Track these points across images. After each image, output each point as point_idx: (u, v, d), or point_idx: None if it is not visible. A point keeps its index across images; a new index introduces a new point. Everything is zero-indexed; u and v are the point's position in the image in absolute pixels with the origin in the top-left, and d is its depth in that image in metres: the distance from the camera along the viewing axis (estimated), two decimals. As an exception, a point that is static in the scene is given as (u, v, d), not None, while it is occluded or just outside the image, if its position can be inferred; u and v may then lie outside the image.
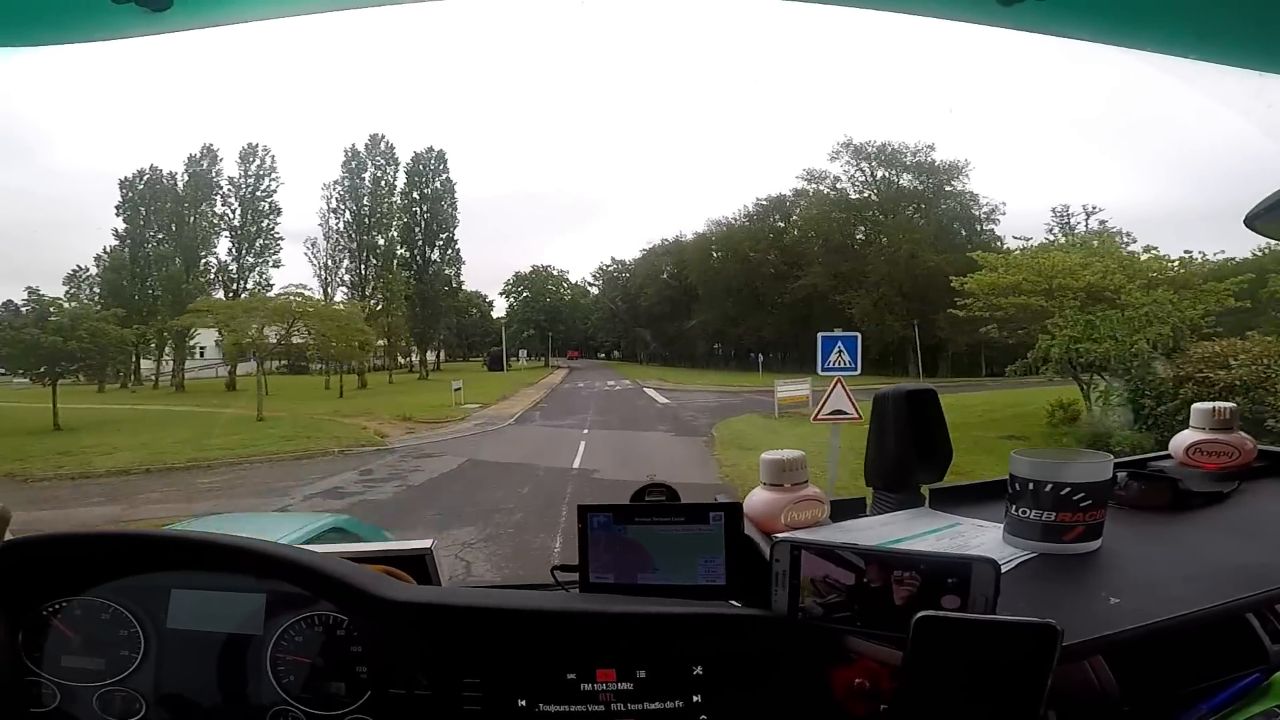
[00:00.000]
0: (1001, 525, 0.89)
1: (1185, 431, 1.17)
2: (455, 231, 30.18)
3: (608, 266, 43.30)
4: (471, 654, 0.80)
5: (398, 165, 28.91)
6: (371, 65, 43.43)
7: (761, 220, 34.34)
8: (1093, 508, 0.82)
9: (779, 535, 0.83)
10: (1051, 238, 21.86)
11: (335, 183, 27.94)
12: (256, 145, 26.19)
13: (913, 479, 1.05)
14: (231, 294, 24.62)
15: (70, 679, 0.88)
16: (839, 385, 7.04)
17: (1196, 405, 1.16)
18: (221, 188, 25.97)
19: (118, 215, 24.75)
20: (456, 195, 30.03)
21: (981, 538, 0.90)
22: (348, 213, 27.83)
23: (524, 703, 0.79)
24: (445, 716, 0.79)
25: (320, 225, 27.65)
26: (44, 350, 14.98)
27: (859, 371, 7.40)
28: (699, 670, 0.79)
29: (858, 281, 29.35)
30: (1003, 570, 0.67)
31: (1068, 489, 0.82)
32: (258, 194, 26.19)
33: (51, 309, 16.33)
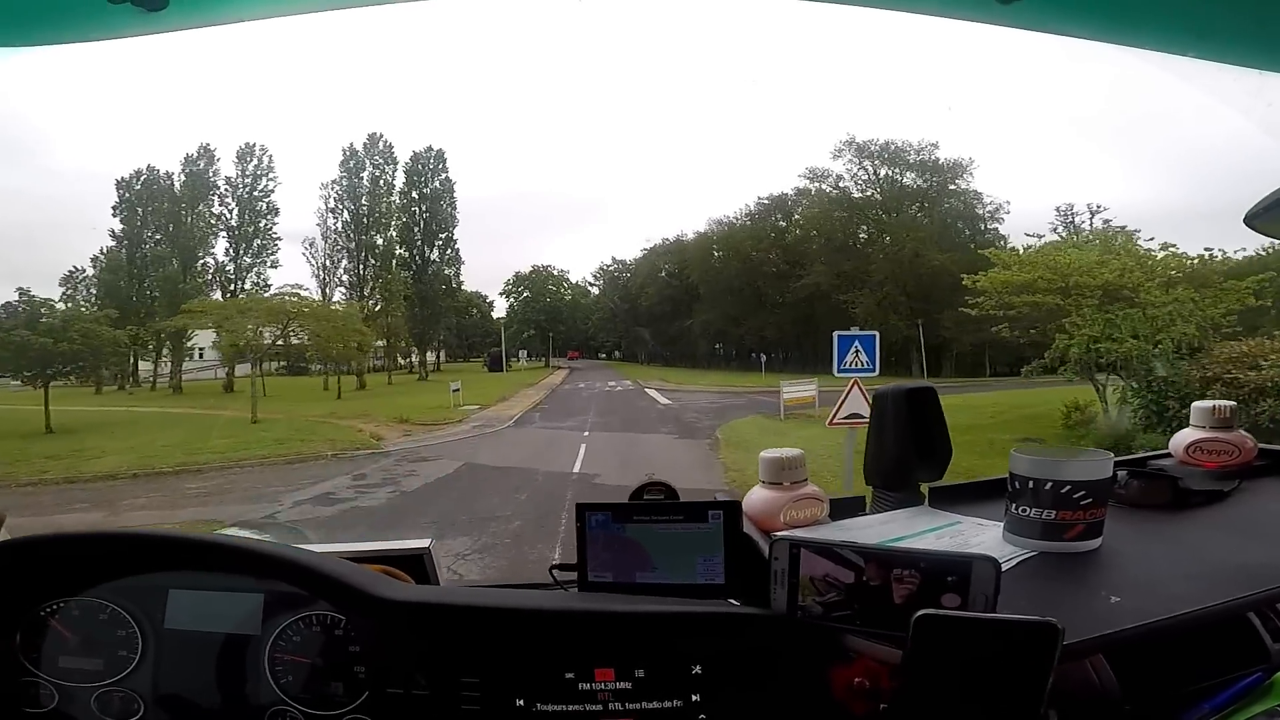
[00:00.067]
0: (1001, 524, 0.89)
1: (1185, 430, 1.17)
2: (455, 231, 30.06)
3: (608, 266, 43.33)
4: (470, 653, 0.80)
5: (396, 165, 28.83)
6: (369, 64, 43.31)
7: (763, 219, 34.20)
8: (1093, 506, 0.82)
9: (778, 534, 0.83)
10: (1057, 236, 21.86)
11: (333, 182, 27.82)
12: (254, 145, 26.08)
13: (912, 477, 1.05)
14: (229, 295, 24.46)
15: (68, 679, 0.88)
16: (856, 387, 6.80)
17: (1197, 404, 1.16)
18: (218, 188, 25.83)
19: (114, 216, 24.66)
20: (456, 195, 29.98)
21: (981, 536, 0.90)
22: (346, 212, 27.74)
23: (522, 702, 0.79)
24: (443, 716, 0.79)
25: (318, 225, 27.56)
26: (34, 352, 14.73)
27: (877, 372, 7.09)
28: (698, 669, 0.79)
29: (861, 281, 29.21)
30: (1003, 569, 0.67)
31: (1068, 487, 0.81)
32: (255, 194, 26.06)
33: (43, 310, 16.09)
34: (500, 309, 40.70)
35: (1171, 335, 9.65)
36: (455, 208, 29.87)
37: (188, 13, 0.82)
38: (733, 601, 0.83)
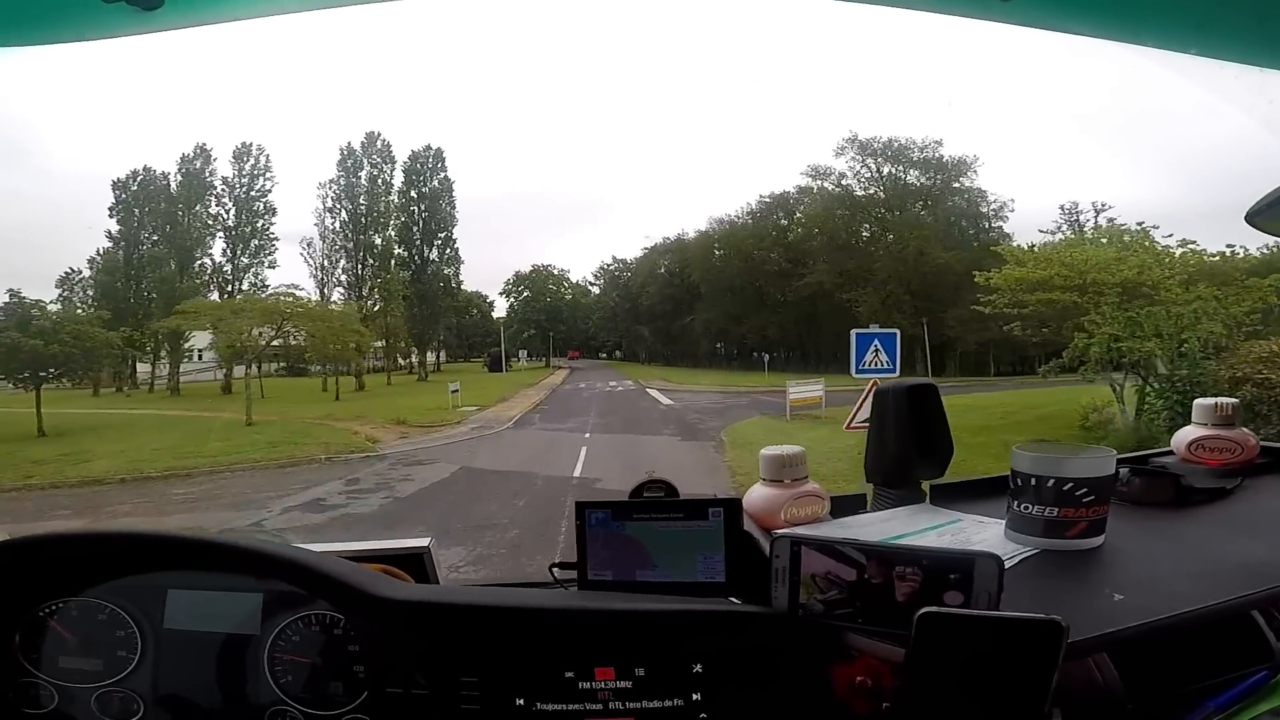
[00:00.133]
0: (1003, 521, 0.88)
1: (1188, 427, 1.16)
2: (454, 231, 30.11)
3: (609, 266, 43.36)
4: (469, 652, 0.80)
5: (394, 164, 28.85)
6: (367, 64, 43.45)
7: (765, 218, 34.20)
8: (1095, 503, 0.81)
9: (779, 531, 0.83)
10: (1062, 235, 21.77)
11: (331, 182, 27.84)
12: (250, 145, 26.14)
13: (913, 475, 1.04)
14: (226, 295, 24.45)
15: (68, 680, 0.88)
16: (875, 389, 6.40)
17: (1199, 401, 1.16)
18: (215, 188, 25.90)
19: (111, 217, 24.70)
20: (455, 194, 29.99)
21: (983, 534, 0.89)
22: (344, 212, 27.74)
23: (522, 701, 0.78)
24: (443, 715, 0.79)
25: (316, 225, 27.60)
26: (25, 354, 14.61)
27: (897, 373, 6.66)
28: (698, 668, 0.78)
29: (864, 279, 29.17)
30: (1005, 566, 0.67)
31: (1070, 484, 0.81)
32: (252, 194, 26.10)
33: (34, 312, 15.93)
34: (500, 309, 40.74)
35: (1197, 334, 9.36)
36: (454, 207, 29.92)
37: (183, 11, 0.81)
38: (733, 600, 0.82)
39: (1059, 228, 25.11)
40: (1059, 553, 0.81)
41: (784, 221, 33.95)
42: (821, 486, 0.97)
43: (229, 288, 25.24)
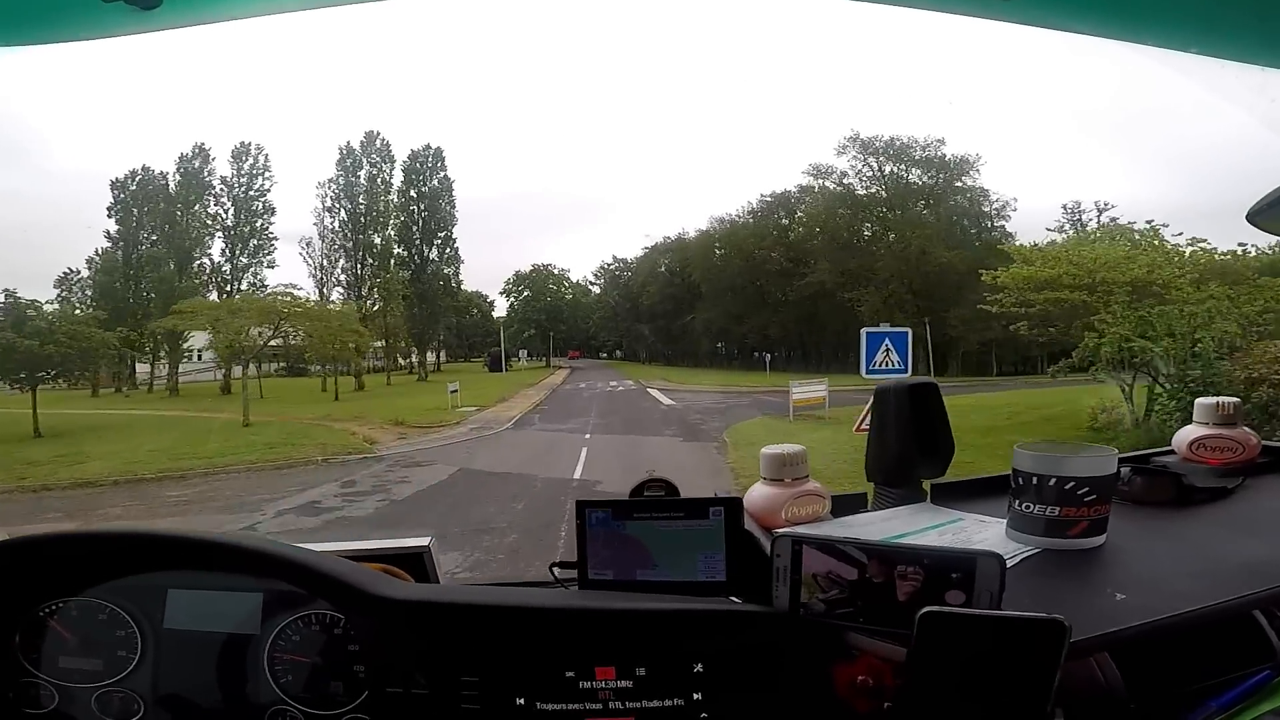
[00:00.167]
0: (1004, 520, 0.88)
1: (1189, 426, 1.16)
2: (454, 230, 30.00)
3: (609, 265, 43.28)
4: (470, 652, 0.79)
5: (394, 163, 28.74)
6: (366, 63, 43.29)
7: (766, 217, 34.03)
8: (1097, 503, 0.81)
9: (780, 530, 0.83)
10: (1063, 235, 21.70)
11: (330, 181, 27.71)
12: (249, 144, 26.02)
13: (914, 474, 1.04)
14: (225, 295, 24.35)
15: (68, 680, 0.88)
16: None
17: (1200, 400, 1.16)
18: (214, 187, 25.77)
19: (109, 216, 24.60)
20: (455, 193, 29.93)
21: (984, 533, 0.89)
22: (343, 211, 27.62)
23: (522, 701, 0.78)
24: (443, 715, 0.79)
25: (315, 225, 27.50)
26: (20, 355, 14.45)
27: (910, 373, 6.40)
28: (699, 668, 0.78)
29: (866, 279, 29.03)
30: (1007, 566, 0.67)
31: (1072, 483, 0.81)
32: (251, 193, 25.97)
33: (29, 311, 15.80)
34: (501, 308, 40.66)
35: (1211, 333, 9.19)
36: (454, 206, 29.82)
37: (182, 11, 0.81)
38: (734, 599, 0.82)
39: (1062, 227, 25.12)
40: (1060, 552, 0.81)
41: (785, 221, 33.84)
42: (822, 485, 0.96)
43: (228, 287, 25.20)
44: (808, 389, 15.78)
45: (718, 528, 0.85)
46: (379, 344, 27.09)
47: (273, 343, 20.46)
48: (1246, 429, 1.13)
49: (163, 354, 24.38)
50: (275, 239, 26.29)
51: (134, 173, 24.83)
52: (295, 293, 22.14)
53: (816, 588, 0.73)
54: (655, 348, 39.90)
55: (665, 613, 0.80)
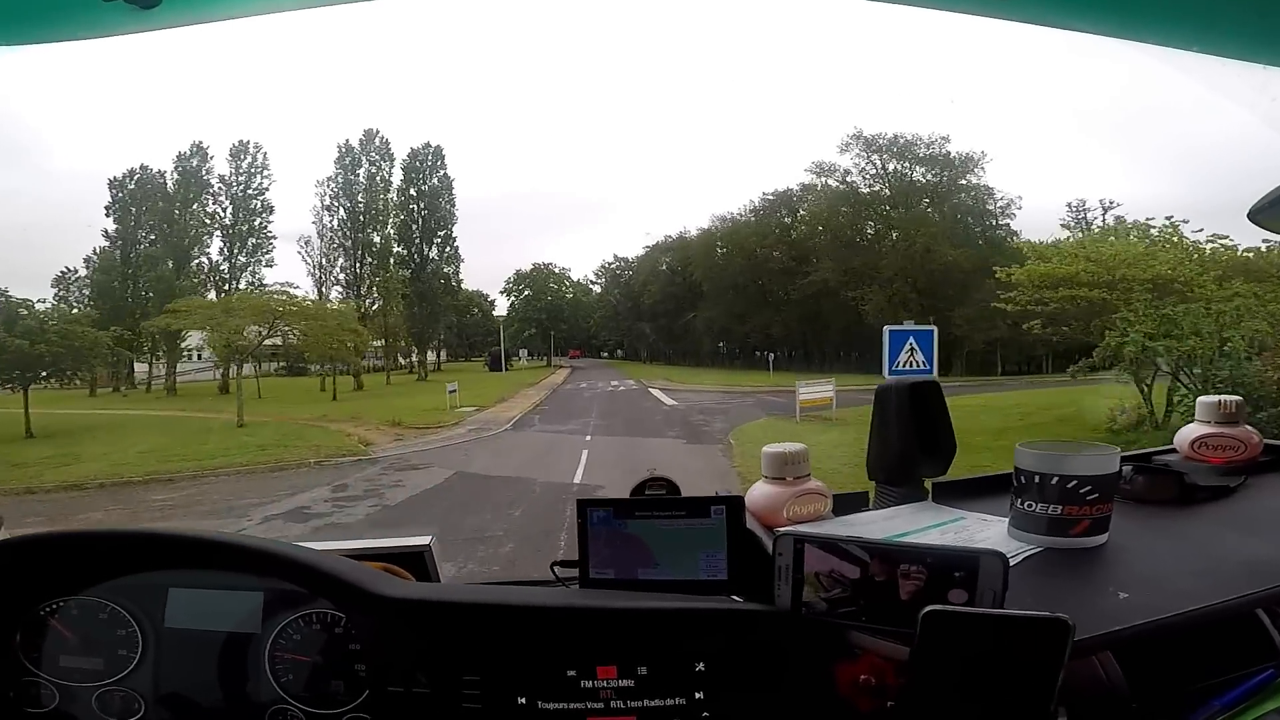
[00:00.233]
0: (1006, 519, 0.88)
1: (1191, 425, 1.16)
2: (454, 229, 29.97)
3: (610, 264, 43.28)
4: (471, 651, 0.79)
5: (393, 161, 28.71)
6: (366, 62, 43.28)
7: (768, 215, 33.93)
8: (1099, 501, 0.81)
9: (782, 529, 0.83)
10: (1070, 233, 21.60)
11: (329, 179, 27.71)
12: (248, 142, 26.01)
13: (916, 472, 1.04)
14: (223, 294, 24.27)
15: (69, 679, 0.88)
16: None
17: (1202, 399, 1.16)
18: (212, 186, 25.74)
19: (108, 215, 24.58)
20: (455, 192, 29.88)
21: (986, 532, 0.89)
22: (342, 210, 27.58)
23: (524, 700, 0.78)
24: (444, 714, 0.78)
25: (314, 223, 27.51)
26: (10, 354, 14.35)
27: (934, 374, 5.98)
28: (701, 667, 0.78)
29: (869, 277, 28.94)
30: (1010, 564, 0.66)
31: (1074, 482, 0.80)
32: (249, 192, 25.95)
33: (21, 311, 15.66)
34: (501, 307, 40.64)
35: (1240, 332, 8.88)
36: (454, 205, 29.80)
37: (181, 10, 0.81)
38: (736, 598, 0.82)
39: (1071, 224, 25.10)
40: (1063, 551, 0.81)
41: (787, 219, 33.74)
42: (824, 484, 0.96)
43: (226, 287, 25.15)
44: (815, 389, 15.47)
45: (719, 526, 0.84)
46: (378, 343, 27.06)
47: (272, 342, 20.39)
48: (1248, 427, 1.13)
49: (160, 353, 24.34)
50: (274, 238, 26.31)
51: (132, 171, 24.85)
52: (291, 291, 22.14)
53: (819, 586, 0.73)
54: (656, 347, 39.88)
55: (667, 611, 0.79)
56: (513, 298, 40.68)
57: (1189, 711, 0.76)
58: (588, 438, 14.36)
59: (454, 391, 18.41)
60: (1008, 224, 29.76)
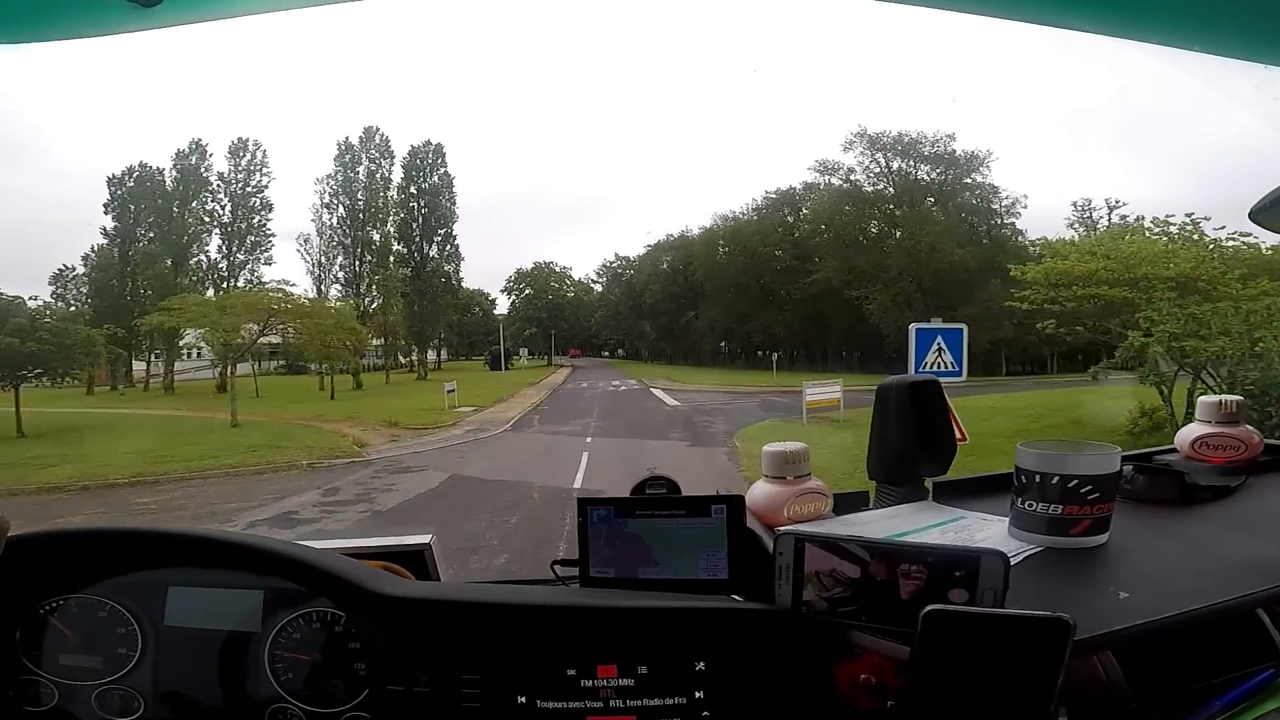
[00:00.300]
0: (1006, 519, 0.88)
1: (1191, 425, 1.16)
2: (454, 227, 29.95)
3: (611, 263, 43.26)
4: (471, 650, 0.79)
5: (393, 159, 28.68)
6: (366, 60, 43.33)
7: (771, 214, 33.84)
8: (1100, 501, 0.81)
9: (782, 528, 0.82)
10: (1072, 232, 21.46)
11: (329, 177, 27.69)
12: (247, 140, 26.01)
13: (916, 472, 1.04)
14: (222, 292, 24.18)
15: (68, 677, 0.88)
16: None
17: (1202, 399, 1.16)
18: (211, 184, 25.72)
19: (106, 213, 24.54)
20: (455, 190, 29.85)
21: (986, 531, 0.89)
22: (341, 208, 27.58)
23: (524, 699, 0.78)
24: (444, 713, 0.78)
25: (313, 221, 27.51)
26: (0, 352, 14.16)
27: (964, 376, 5.67)
28: (701, 666, 0.78)
29: (873, 276, 28.82)
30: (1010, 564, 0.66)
31: (1074, 481, 0.80)
32: (248, 190, 25.94)
33: (12, 308, 15.54)
34: (502, 306, 40.60)
35: (1273, 332, 8.50)
36: (455, 203, 29.79)
37: (181, 8, 0.81)
38: (736, 597, 0.82)
39: (1070, 224, 25.05)
40: (1063, 550, 0.81)
41: (790, 218, 33.65)
42: (824, 483, 0.96)
43: (224, 285, 25.09)
44: (822, 390, 15.08)
45: (720, 525, 0.84)
46: (378, 342, 27.03)
47: (271, 340, 20.34)
48: (1249, 427, 1.12)
49: (158, 351, 24.29)
50: (273, 235, 26.31)
51: (131, 169, 24.83)
52: (288, 289, 22.03)
53: (819, 586, 0.72)
54: (658, 346, 39.85)
55: (667, 611, 0.79)
56: (513, 296, 40.71)
57: (1189, 711, 0.76)
58: (588, 439, 14.16)
59: (452, 391, 18.29)
60: (1013, 223, 29.78)
